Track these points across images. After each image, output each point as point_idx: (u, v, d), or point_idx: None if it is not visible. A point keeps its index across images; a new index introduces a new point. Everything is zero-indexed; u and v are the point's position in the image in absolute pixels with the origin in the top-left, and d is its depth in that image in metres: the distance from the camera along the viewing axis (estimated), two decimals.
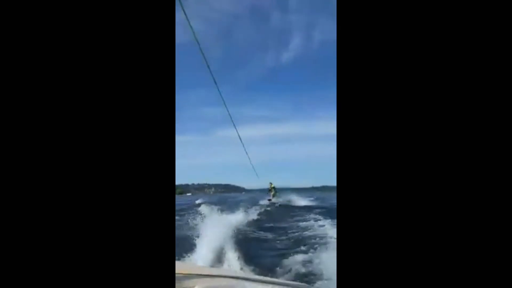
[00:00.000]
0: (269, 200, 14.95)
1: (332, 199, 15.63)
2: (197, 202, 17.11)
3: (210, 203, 14.52)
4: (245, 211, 8.74)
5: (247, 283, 1.10)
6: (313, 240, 4.98)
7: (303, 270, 3.44)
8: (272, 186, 15.56)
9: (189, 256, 3.87)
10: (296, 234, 6.02)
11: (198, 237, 4.48)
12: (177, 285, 0.84)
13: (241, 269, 3.57)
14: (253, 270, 3.51)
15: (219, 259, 3.89)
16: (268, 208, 11.77)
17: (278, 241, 5.54)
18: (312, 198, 17.78)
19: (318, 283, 2.96)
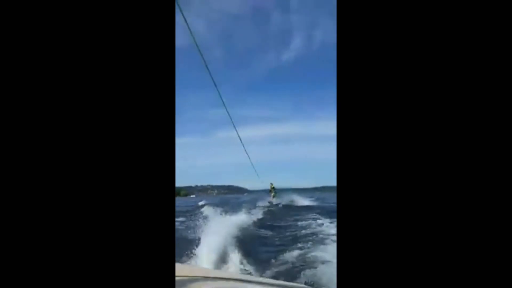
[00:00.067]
0: (270, 202, 14.86)
1: (332, 199, 15.73)
2: (200, 203, 17.49)
3: (213, 204, 14.84)
4: (247, 212, 8.97)
5: (248, 285, 1.10)
6: (309, 238, 5.30)
7: (299, 258, 3.86)
8: (272, 186, 15.40)
9: (193, 255, 4.01)
10: (295, 232, 6.30)
11: (200, 237, 4.69)
12: (177, 287, 0.82)
13: (241, 263, 3.83)
14: (253, 263, 3.81)
15: (221, 258, 4.05)
16: (272, 208, 11.94)
17: (277, 238, 5.85)
18: (313, 199, 17.90)
19: (310, 270, 3.32)
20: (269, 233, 6.53)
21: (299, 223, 7.58)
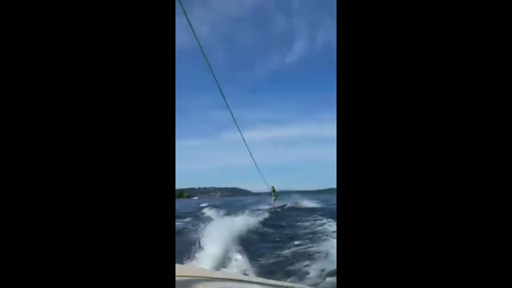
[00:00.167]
0: (269, 204, 14.69)
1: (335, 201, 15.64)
2: (202, 205, 17.60)
3: (215, 206, 14.90)
4: (248, 214, 9.00)
5: (248, 286, 1.10)
6: (309, 236, 5.43)
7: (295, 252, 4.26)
8: (273, 189, 15.30)
9: (193, 256, 4.08)
10: (296, 230, 6.38)
11: (201, 237, 4.72)
12: (177, 287, 0.82)
13: (239, 258, 3.86)
14: (251, 259, 3.88)
15: (222, 258, 4.11)
16: (273, 211, 11.97)
17: (278, 236, 5.93)
18: (317, 201, 17.90)
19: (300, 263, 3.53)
20: (270, 230, 6.62)
21: (300, 223, 7.59)
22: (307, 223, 7.38)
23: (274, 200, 14.99)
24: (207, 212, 11.97)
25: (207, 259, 3.88)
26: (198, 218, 9.07)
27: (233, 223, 6.31)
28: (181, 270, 1.07)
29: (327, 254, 3.95)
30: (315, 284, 2.91)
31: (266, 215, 9.72)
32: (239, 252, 4.13)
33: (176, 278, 0.83)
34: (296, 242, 4.92)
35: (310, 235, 5.46)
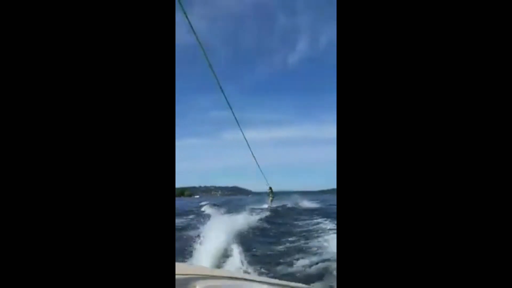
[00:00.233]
0: (267, 203, 14.94)
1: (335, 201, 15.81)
2: (202, 203, 17.99)
3: (215, 205, 15.24)
4: (249, 213, 9.28)
5: (247, 284, 1.12)
6: (303, 234, 5.79)
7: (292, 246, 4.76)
8: (270, 190, 15.45)
9: (193, 251, 4.32)
10: (292, 228, 6.71)
11: (200, 235, 4.99)
12: (177, 286, 0.82)
13: (240, 256, 4.14)
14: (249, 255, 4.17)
15: (220, 252, 4.37)
16: (271, 210, 12.24)
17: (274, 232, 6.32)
18: (316, 201, 18.14)
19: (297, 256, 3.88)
20: (268, 226, 7.06)
21: (296, 222, 7.89)
22: (303, 222, 7.68)
23: (271, 200, 15.23)
24: (207, 210, 12.38)
25: (206, 254, 4.14)
26: (199, 215, 9.47)
27: (233, 221, 6.56)
28: (181, 269, 1.08)
29: (317, 249, 4.35)
30: (300, 272, 3.28)
31: (265, 214, 9.99)
32: (236, 247, 4.39)
33: (176, 277, 0.83)
34: (290, 239, 5.28)
35: (304, 233, 5.81)
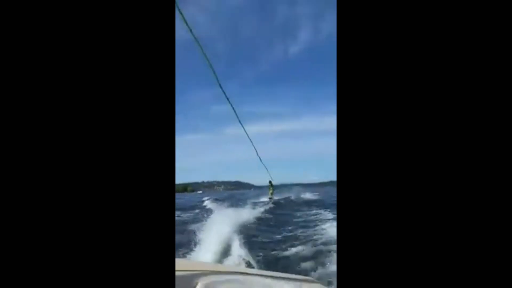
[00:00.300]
0: (270, 198, 15.23)
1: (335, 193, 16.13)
2: (205, 198, 18.42)
3: (217, 199, 15.65)
4: (249, 207, 9.64)
5: (249, 278, 1.12)
6: (300, 224, 6.23)
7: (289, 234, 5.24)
8: (271, 184, 15.78)
9: (195, 245, 4.61)
10: (291, 218, 7.13)
11: (202, 229, 5.32)
12: (178, 282, 0.83)
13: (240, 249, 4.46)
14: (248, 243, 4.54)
15: (223, 248, 4.69)
16: (270, 203, 12.61)
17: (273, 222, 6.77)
18: (317, 193, 18.49)
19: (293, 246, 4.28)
20: (269, 216, 7.55)
21: (295, 213, 8.28)
22: (302, 213, 8.09)
23: (271, 193, 15.64)
24: (209, 204, 12.77)
25: (209, 244, 4.44)
26: (203, 210, 9.96)
27: (236, 214, 6.85)
28: (181, 264, 1.08)
29: (311, 236, 4.77)
30: (295, 254, 3.77)
31: (266, 206, 10.36)
32: (238, 238, 4.71)
33: (177, 273, 0.84)
34: (288, 228, 5.75)
35: (302, 223, 6.24)
